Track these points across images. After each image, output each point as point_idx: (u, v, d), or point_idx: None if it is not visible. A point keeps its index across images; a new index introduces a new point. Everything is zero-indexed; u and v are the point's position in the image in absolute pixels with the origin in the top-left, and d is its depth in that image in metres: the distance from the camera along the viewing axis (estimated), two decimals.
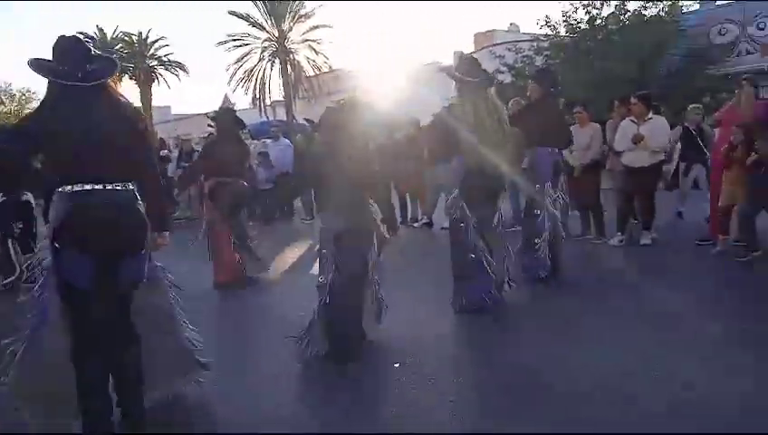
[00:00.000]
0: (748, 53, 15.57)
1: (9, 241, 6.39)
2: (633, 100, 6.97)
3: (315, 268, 4.34)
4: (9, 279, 6.36)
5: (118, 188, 2.86)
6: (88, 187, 2.79)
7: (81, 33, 3.06)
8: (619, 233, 7.05)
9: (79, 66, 2.83)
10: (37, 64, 2.83)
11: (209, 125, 6.69)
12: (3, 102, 35.96)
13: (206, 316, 5.32)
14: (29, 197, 6.47)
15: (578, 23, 17.46)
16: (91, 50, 2.93)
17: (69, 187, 2.79)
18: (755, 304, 4.77)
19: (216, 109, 6.75)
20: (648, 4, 15.87)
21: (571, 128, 7.36)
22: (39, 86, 48.79)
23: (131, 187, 2.93)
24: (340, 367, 3.83)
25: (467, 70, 4.80)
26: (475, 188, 4.75)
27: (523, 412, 3.10)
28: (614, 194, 7.39)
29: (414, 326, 4.53)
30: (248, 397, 3.53)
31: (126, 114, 3.00)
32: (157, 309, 3.25)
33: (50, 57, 2.87)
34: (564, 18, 17.63)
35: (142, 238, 2.95)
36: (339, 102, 4.40)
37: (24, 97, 46.71)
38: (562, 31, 17.79)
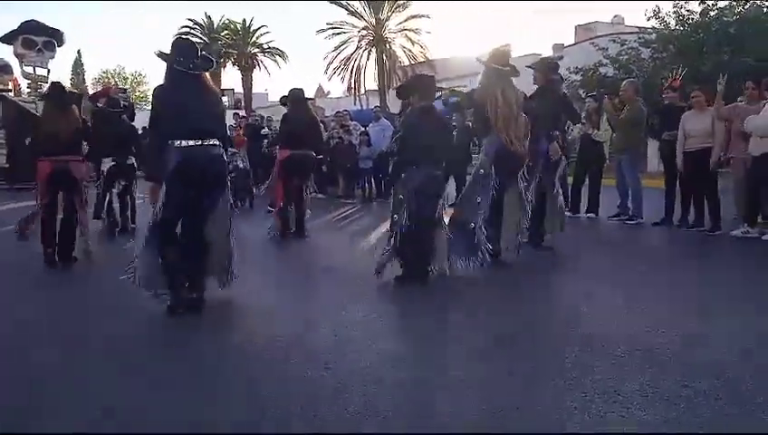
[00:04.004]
0: None
1: (109, 195, 7.46)
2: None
3: None
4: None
5: (209, 143, 4.08)
6: (192, 142, 4.00)
7: (190, 19, 4.47)
8: (745, 224, 6.71)
9: (189, 60, 4.10)
10: (164, 56, 4.18)
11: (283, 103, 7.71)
12: (117, 84, 38.46)
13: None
14: (133, 160, 7.51)
15: (690, 14, 16.73)
16: (198, 50, 4.19)
17: (179, 141, 3.98)
18: None
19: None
20: None
21: (688, 113, 7.17)
22: (148, 70, 52.12)
23: (218, 143, 4.14)
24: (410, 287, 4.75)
25: (498, 60, 5.43)
26: (503, 164, 5.34)
27: None
28: (736, 183, 7.06)
29: None
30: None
31: (216, 94, 4.41)
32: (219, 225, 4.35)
33: (167, 50, 4.19)
34: (675, 9, 16.94)
35: (223, 180, 4.24)
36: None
37: (135, 80, 49.90)
38: (672, 23, 17.09)
